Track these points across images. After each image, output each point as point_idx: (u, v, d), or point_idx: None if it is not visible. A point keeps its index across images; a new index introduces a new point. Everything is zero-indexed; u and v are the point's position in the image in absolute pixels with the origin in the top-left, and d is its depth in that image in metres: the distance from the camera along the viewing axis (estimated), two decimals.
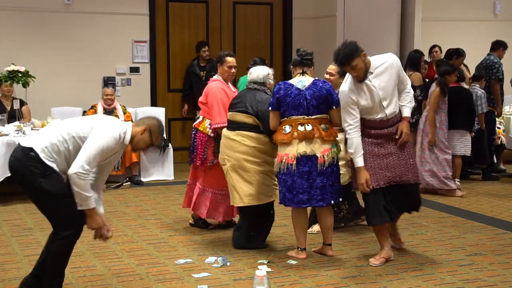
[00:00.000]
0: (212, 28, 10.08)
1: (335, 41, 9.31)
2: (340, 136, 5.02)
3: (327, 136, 4.82)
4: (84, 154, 3.80)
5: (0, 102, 8.08)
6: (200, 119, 5.87)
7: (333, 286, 4.45)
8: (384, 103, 4.77)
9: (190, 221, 6.06)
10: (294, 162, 4.80)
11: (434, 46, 9.37)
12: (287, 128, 4.85)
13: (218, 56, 5.92)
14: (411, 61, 8.19)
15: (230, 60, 5.82)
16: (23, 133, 7.22)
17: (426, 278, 4.57)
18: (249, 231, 5.26)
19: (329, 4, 10.01)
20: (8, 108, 8.01)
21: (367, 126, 4.83)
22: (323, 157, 4.79)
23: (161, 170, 8.56)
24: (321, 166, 4.79)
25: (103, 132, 3.87)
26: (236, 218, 5.84)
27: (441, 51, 9.29)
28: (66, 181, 3.86)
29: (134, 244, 5.45)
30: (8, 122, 7.66)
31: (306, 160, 4.80)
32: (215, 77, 5.87)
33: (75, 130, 3.89)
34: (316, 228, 5.64)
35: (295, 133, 4.81)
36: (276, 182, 5.18)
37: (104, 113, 8.14)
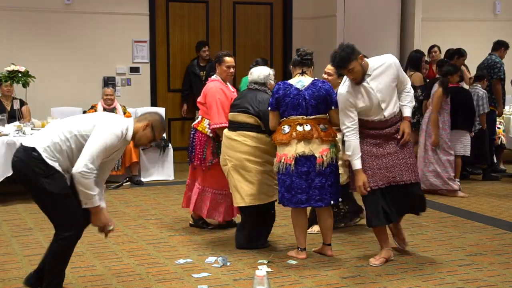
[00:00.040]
0: (212, 28, 10.08)
1: (335, 41, 9.30)
2: (339, 136, 5.02)
3: (326, 136, 4.82)
4: (87, 152, 3.80)
5: (0, 102, 8.08)
6: (199, 119, 5.87)
7: (333, 286, 4.45)
8: (383, 105, 4.76)
9: (190, 222, 6.06)
10: (293, 162, 4.80)
11: (433, 46, 9.36)
12: (286, 128, 4.85)
13: (217, 56, 5.92)
14: (412, 61, 8.18)
15: (229, 60, 5.81)
16: (23, 133, 7.22)
17: (426, 278, 4.57)
18: (251, 231, 5.27)
19: (329, 4, 10.01)
20: (8, 108, 8.01)
21: (365, 127, 4.81)
22: (322, 157, 4.79)
23: (161, 170, 8.56)
24: (320, 166, 4.79)
25: (105, 130, 3.87)
26: (236, 218, 5.85)
27: (440, 51, 9.29)
28: (69, 180, 3.86)
29: (134, 244, 5.45)
30: (8, 122, 7.66)
31: (305, 160, 4.80)
32: (213, 77, 5.86)
33: (77, 129, 3.88)
34: (316, 228, 5.63)
35: (294, 133, 4.81)
36: (277, 182, 5.18)
37: None
